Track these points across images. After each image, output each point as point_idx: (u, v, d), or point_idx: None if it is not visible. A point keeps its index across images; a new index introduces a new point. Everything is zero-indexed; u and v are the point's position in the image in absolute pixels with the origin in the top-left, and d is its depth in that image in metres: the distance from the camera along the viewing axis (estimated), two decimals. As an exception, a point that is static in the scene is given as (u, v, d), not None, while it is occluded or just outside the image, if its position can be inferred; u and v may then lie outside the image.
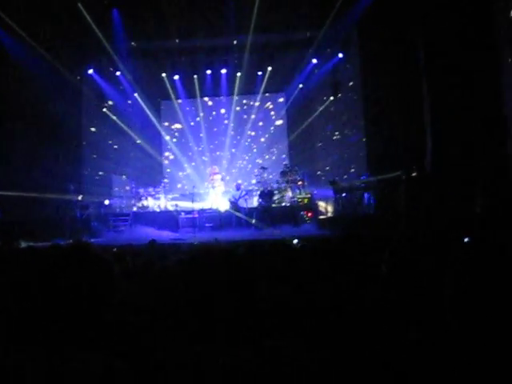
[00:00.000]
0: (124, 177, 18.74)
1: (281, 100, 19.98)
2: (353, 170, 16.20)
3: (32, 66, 12.99)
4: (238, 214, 14.72)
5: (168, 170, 19.77)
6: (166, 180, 17.87)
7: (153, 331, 1.87)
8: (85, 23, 14.07)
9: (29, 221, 12.83)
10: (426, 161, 11.71)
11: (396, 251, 2.68)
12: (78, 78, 16.16)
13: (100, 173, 17.70)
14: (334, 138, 17.64)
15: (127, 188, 18.07)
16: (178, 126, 20.01)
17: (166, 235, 13.08)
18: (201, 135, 19.80)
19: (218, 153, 19.78)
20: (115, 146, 18.37)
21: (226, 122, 19.88)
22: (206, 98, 19.76)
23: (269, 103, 19.95)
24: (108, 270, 1.95)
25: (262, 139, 19.80)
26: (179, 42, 16.31)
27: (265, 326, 1.72)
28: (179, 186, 19.42)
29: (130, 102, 18.43)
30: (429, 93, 11.71)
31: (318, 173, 18.31)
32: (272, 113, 19.96)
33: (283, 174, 16.61)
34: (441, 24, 10.91)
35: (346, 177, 16.19)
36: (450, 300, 1.78)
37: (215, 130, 20.07)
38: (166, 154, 20.17)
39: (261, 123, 19.87)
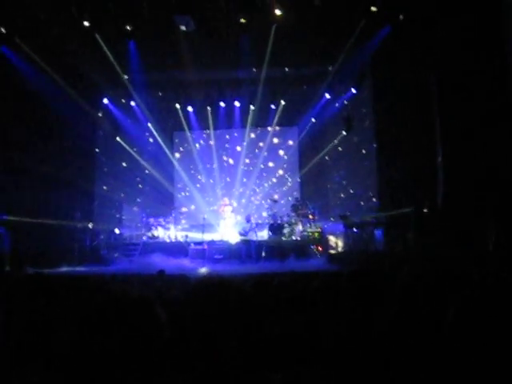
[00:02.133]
0: (135, 206, 18.80)
1: (293, 134, 20.04)
2: (363, 206, 16.14)
3: (48, 94, 13.17)
4: (247, 246, 14.66)
5: (183, 209, 19.73)
6: (184, 209, 17.85)
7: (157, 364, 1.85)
8: (101, 53, 14.29)
9: (38, 247, 12.84)
10: (437, 196, 11.66)
11: (406, 289, 2.65)
12: (93, 107, 16.35)
13: (111, 201, 17.78)
14: (346, 172, 17.64)
15: (137, 217, 18.11)
16: (190, 157, 20.09)
17: (175, 265, 12.99)
18: (212, 166, 19.87)
19: (229, 185, 19.79)
20: (127, 175, 18.47)
21: (237, 154, 19.94)
22: (219, 130, 19.85)
23: (281, 137, 20.02)
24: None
25: (274, 172, 19.82)
26: (193, 75, 16.50)
27: (272, 360, 1.70)
28: (192, 215, 19.38)
29: (143, 133, 18.59)
30: (441, 128, 11.73)
31: (330, 207, 18.25)
32: (284, 146, 20.01)
33: (294, 207, 16.58)
34: (453, 60, 10.98)
35: (356, 211, 16.13)
36: (453, 336, 1.76)
37: (227, 162, 20.13)
38: (178, 184, 20.21)
39: (273, 156, 19.91)
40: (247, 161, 19.89)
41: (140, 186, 19.04)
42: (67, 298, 1.71)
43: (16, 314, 1.62)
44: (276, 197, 18.10)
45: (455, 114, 11.05)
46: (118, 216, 18.38)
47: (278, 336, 2.48)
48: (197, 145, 20.00)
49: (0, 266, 11.07)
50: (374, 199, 15.19)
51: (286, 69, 16.65)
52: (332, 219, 16.67)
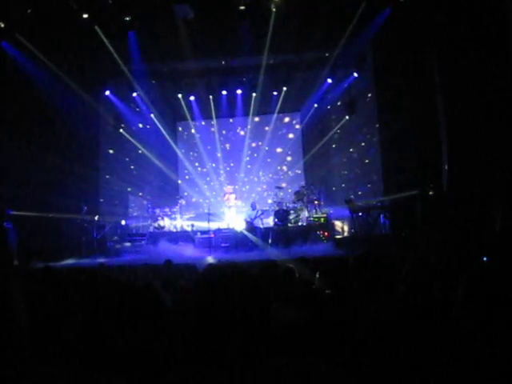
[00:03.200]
0: (140, 197, 18.84)
1: (296, 120, 20.01)
2: (369, 189, 16.14)
3: (50, 88, 13.15)
4: (253, 233, 14.68)
5: (186, 194, 19.76)
6: (182, 201, 17.89)
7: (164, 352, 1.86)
8: (101, 45, 14.26)
9: (45, 241, 12.90)
10: (442, 179, 11.63)
11: (412, 271, 2.65)
12: (95, 99, 16.34)
13: (117, 193, 17.83)
14: (350, 156, 17.62)
15: (143, 208, 18.17)
16: (193, 146, 20.10)
17: (182, 254, 13.02)
18: (216, 154, 19.89)
19: (234, 173, 19.81)
20: (132, 167, 18.49)
21: (241, 142, 19.94)
22: (221, 119, 19.83)
23: (284, 123, 19.99)
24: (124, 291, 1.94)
25: (278, 159, 19.81)
26: (195, 64, 16.46)
27: (278, 347, 1.71)
28: (196, 203, 19.41)
29: (146, 124, 18.57)
30: (445, 110, 11.68)
31: (335, 192, 18.24)
32: (287, 133, 19.99)
33: (297, 194, 16.55)
34: (455, 41, 10.91)
35: (361, 195, 16.14)
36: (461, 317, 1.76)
37: (231, 150, 20.14)
38: (182, 173, 20.23)
39: (276, 142, 19.89)
40: (251, 148, 19.89)
41: (145, 176, 19.06)
42: (75, 290, 1.72)
43: (28, 307, 1.63)
44: (283, 185, 18.10)
45: (459, 95, 10.99)
46: (123, 207, 18.42)
47: (286, 323, 2.49)
48: (200, 134, 19.99)
49: (8, 260, 11.12)
50: (379, 183, 15.17)
51: (287, 55, 16.57)
52: (337, 204, 16.65)
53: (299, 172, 19.82)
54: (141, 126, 18.42)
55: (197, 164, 20.07)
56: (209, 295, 1.62)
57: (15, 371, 1.47)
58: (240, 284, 1.64)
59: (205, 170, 19.89)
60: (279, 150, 19.87)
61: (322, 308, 2.98)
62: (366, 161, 16.39)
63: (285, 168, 19.92)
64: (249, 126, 19.63)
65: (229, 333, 1.54)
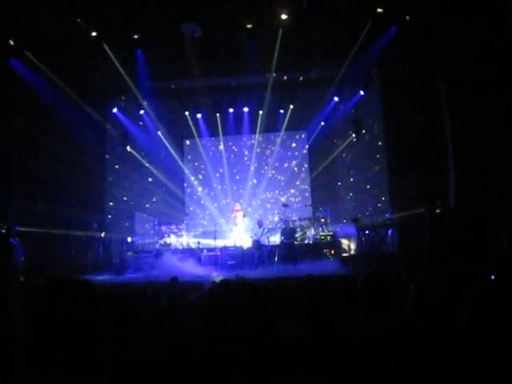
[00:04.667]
0: (147, 214, 18.85)
1: (302, 137, 20.03)
2: (375, 208, 16.09)
3: (58, 105, 13.25)
4: (260, 251, 14.66)
5: (191, 209, 19.77)
6: (188, 216, 17.87)
7: (170, 368, 1.84)
8: (110, 63, 14.38)
9: (51, 258, 12.90)
10: (449, 197, 11.59)
11: (420, 290, 2.63)
12: (103, 116, 16.44)
13: (123, 210, 17.86)
14: (357, 174, 17.60)
15: (150, 225, 18.18)
16: (200, 163, 20.14)
17: (188, 271, 12.98)
18: (222, 172, 19.91)
19: (240, 190, 19.81)
20: (138, 184, 18.54)
21: (247, 159, 19.97)
22: (228, 136, 19.89)
23: (290, 141, 20.02)
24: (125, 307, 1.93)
25: (284, 177, 19.80)
26: (201, 81, 16.56)
27: (282, 364, 1.69)
28: (203, 223, 19.39)
29: (153, 141, 18.62)
30: (451, 128, 11.66)
31: (341, 210, 18.21)
32: (294, 151, 20.00)
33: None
34: (461, 58, 10.93)
35: (368, 214, 16.10)
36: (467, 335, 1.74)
37: (238, 167, 20.17)
38: (189, 191, 20.25)
39: (283, 160, 19.91)
40: (257, 166, 19.90)
41: (151, 193, 19.10)
42: (79, 306, 1.71)
43: (33, 322, 1.63)
44: (287, 202, 18.09)
45: (465, 112, 10.99)
46: (130, 224, 18.43)
47: (291, 340, 2.47)
48: (206, 151, 20.03)
49: (14, 276, 11.11)
50: (386, 201, 15.13)
51: (294, 73, 16.66)
52: (344, 222, 16.62)
53: (306, 190, 19.78)
54: (148, 143, 18.47)
55: (203, 181, 20.08)
56: (215, 310, 1.61)
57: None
58: (246, 300, 1.62)
59: (211, 187, 19.89)
60: (286, 167, 19.86)
61: (327, 325, 2.96)
62: (373, 179, 16.36)
63: (291, 186, 19.89)
64: (255, 144, 19.67)
65: (234, 349, 1.53)
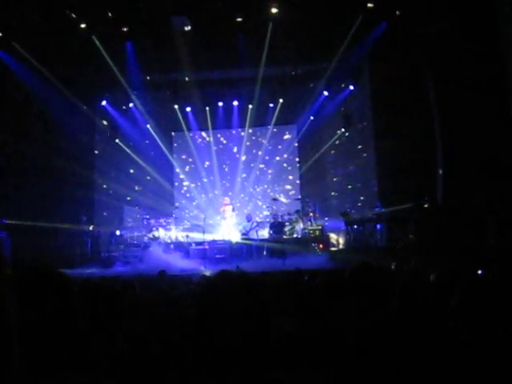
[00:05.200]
0: (136, 207, 18.79)
1: (292, 132, 20.01)
2: (364, 202, 16.14)
3: (46, 97, 13.17)
4: (248, 245, 14.68)
5: (178, 203, 19.72)
6: (177, 210, 17.86)
7: (159, 361, 1.85)
8: (99, 55, 14.29)
9: (39, 251, 12.84)
10: (437, 192, 11.66)
11: (407, 284, 2.65)
12: (92, 109, 16.35)
13: (111, 203, 17.79)
14: (346, 169, 17.64)
15: (138, 218, 18.14)
16: (189, 157, 20.08)
17: (176, 265, 12.96)
18: (212, 166, 19.85)
19: (228, 184, 19.78)
20: (127, 177, 18.46)
21: (237, 153, 19.94)
22: (217, 130, 19.85)
23: (280, 135, 19.99)
24: (112, 300, 1.93)
25: (274, 171, 19.79)
26: (191, 75, 16.52)
27: (273, 358, 1.70)
28: (190, 216, 19.36)
29: (142, 134, 18.53)
30: (440, 123, 11.73)
31: (330, 204, 18.25)
32: (283, 145, 19.97)
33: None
34: (450, 54, 10.98)
35: (356, 208, 16.13)
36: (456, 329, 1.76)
37: (227, 161, 20.12)
38: (177, 184, 20.19)
39: (272, 154, 19.89)
40: (247, 160, 19.86)
41: (140, 187, 19.04)
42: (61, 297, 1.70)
43: (20, 313, 1.62)
44: (277, 196, 18.11)
45: (453, 107, 11.05)
46: (118, 218, 18.37)
47: (281, 336, 2.48)
48: (196, 145, 19.97)
49: (1, 269, 11.04)
50: (375, 195, 15.19)
51: (284, 67, 16.65)
52: (333, 216, 16.65)
53: (295, 184, 19.78)
54: (137, 136, 18.38)
55: (192, 175, 20.01)
56: (214, 301, 1.61)
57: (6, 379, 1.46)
58: (247, 292, 1.62)
59: (200, 181, 19.83)
60: (275, 161, 19.84)
61: (317, 319, 2.97)
62: (362, 173, 16.40)
63: (280, 180, 19.88)
64: (245, 138, 19.64)
65: (227, 342, 1.53)
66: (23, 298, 1.64)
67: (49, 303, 1.66)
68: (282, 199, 18.43)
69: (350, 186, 17.26)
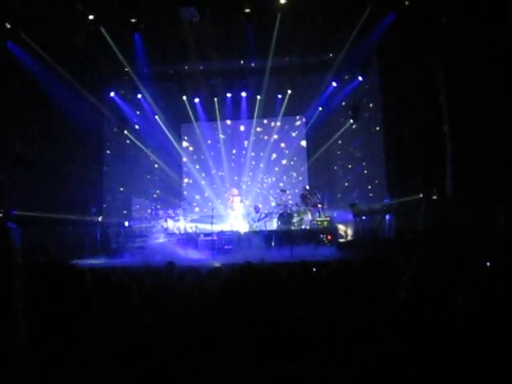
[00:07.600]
0: (144, 199, 18.86)
1: (300, 123, 19.98)
2: (372, 194, 16.11)
3: (55, 88, 13.17)
4: (257, 236, 14.70)
5: (186, 193, 19.76)
6: (185, 201, 17.90)
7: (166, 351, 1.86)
8: (107, 47, 14.30)
9: (48, 242, 12.90)
10: (446, 183, 11.60)
11: (415, 276, 2.64)
12: (100, 100, 16.36)
13: (120, 194, 17.86)
14: (354, 160, 17.60)
15: (147, 210, 18.20)
16: (198, 148, 20.09)
17: (185, 255, 12.99)
18: (220, 157, 19.86)
19: (236, 177, 19.79)
20: (136, 168, 18.52)
21: (245, 144, 19.93)
22: (226, 121, 19.85)
23: (288, 126, 19.96)
24: (125, 292, 1.94)
25: (282, 162, 19.79)
26: (199, 66, 16.50)
27: (286, 348, 1.70)
28: (197, 209, 19.40)
29: (151, 125, 18.54)
30: (449, 115, 11.64)
31: (338, 195, 18.25)
32: (292, 135, 19.95)
33: (303, 197, 16.57)
34: (461, 44, 10.88)
35: (365, 200, 16.11)
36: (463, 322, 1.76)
37: (235, 152, 20.13)
38: (186, 175, 20.22)
39: (281, 146, 19.88)
40: (255, 151, 19.86)
41: (149, 178, 19.10)
42: (74, 290, 1.71)
43: (30, 305, 1.64)
44: (286, 190, 18.08)
45: (463, 99, 10.96)
46: (127, 209, 18.45)
47: (290, 328, 2.49)
48: (204, 136, 19.98)
49: (12, 260, 11.12)
50: (383, 187, 15.14)
51: (292, 58, 16.60)
52: (341, 207, 16.63)
53: (303, 175, 19.76)
54: (145, 127, 18.40)
55: (200, 166, 20.02)
56: (238, 293, 1.62)
57: (13, 372, 1.47)
58: (269, 285, 1.63)
59: (209, 172, 19.85)
60: (283, 152, 19.83)
61: (323, 310, 2.98)
62: (370, 165, 16.35)
63: (289, 171, 19.87)
64: (253, 129, 19.63)
65: (243, 334, 1.54)
66: (39, 292, 1.66)
67: (64, 298, 1.67)
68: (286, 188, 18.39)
69: (358, 178, 17.22)
